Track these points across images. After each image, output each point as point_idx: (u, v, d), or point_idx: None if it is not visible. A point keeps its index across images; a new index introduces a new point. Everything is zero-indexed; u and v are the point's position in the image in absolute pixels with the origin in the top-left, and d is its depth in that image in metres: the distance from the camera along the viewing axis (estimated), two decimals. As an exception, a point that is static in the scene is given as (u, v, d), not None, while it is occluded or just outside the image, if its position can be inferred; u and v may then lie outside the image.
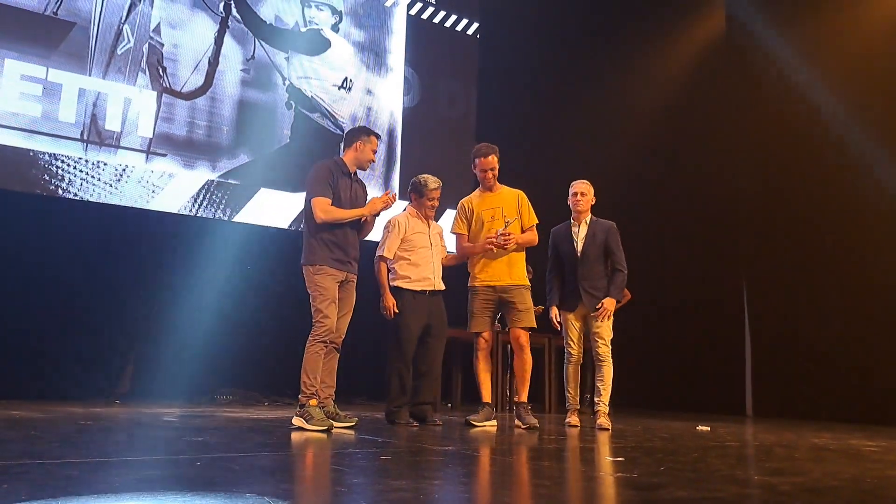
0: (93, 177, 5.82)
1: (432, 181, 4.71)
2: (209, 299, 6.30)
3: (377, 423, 4.44)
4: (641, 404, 7.45)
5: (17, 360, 5.47)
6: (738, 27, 7.66)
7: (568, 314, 4.95)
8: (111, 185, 5.90)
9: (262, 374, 6.39)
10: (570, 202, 5.07)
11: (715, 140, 7.56)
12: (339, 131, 7.03)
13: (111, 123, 5.95)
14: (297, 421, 3.88)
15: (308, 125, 6.98)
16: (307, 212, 4.15)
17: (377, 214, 4.26)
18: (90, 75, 5.89)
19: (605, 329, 4.87)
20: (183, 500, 1.80)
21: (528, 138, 8.25)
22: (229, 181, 6.46)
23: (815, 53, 7.01)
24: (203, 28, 6.50)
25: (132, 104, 6.06)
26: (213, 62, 6.51)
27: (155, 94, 6.18)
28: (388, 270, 4.62)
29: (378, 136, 4.39)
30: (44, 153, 5.64)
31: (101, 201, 5.84)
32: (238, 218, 6.49)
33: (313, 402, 3.90)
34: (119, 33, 6.07)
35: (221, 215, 6.40)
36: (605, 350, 4.87)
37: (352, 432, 3.85)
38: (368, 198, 4.37)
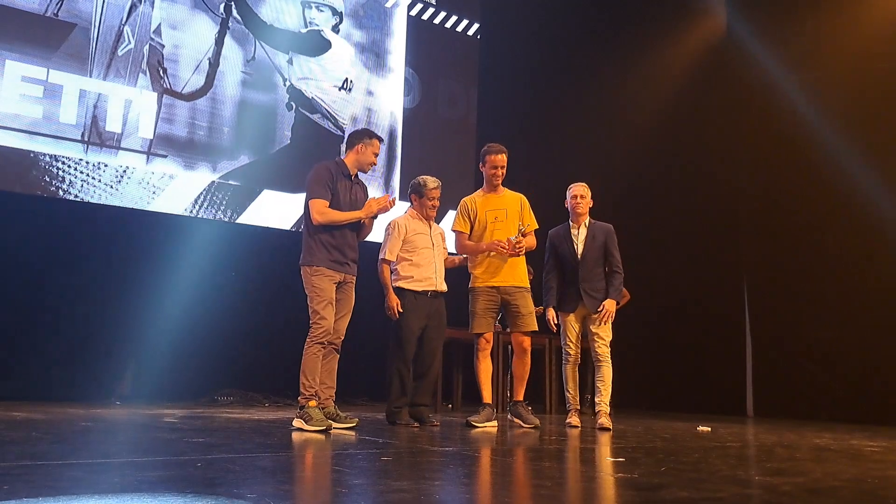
0: (93, 178, 5.82)
1: (431, 181, 4.71)
2: (210, 300, 6.31)
3: (378, 424, 4.45)
4: (642, 405, 7.44)
5: (17, 362, 5.47)
6: (739, 28, 7.66)
7: (567, 315, 4.97)
8: (112, 187, 5.90)
9: (262, 374, 6.40)
10: (568, 204, 5.09)
11: (715, 141, 7.56)
12: (339, 132, 7.04)
13: (112, 125, 5.96)
14: (297, 422, 3.90)
15: (308, 126, 6.98)
16: (305, 213, 4.16)
17: (375, 217, 4.26)
18: (91, 76, 5.89)
19: (605, 329, 4.91)
20: (184, 501, 1.80)
21: (528, 139, 8.25)
22: (230, 182, 6.46)
23: (815, 54, 7.01)
24: (203, 29, 6.50)
25: (133, 105, 6.06)
26: (214, 63, 6.51)
27: (155, 95, 6.19)
28: (391, 272, 4.62)
29: (381, 140, 4.40)
30: (44, 154, 5.64)
31: (101, 203, 5.85)
32: (239, 219, 6.49)
33: (312, 402, 3.91)
34: (120, 34, 6.07)
35: (222, 216, 6.40)
36: (605, 350, 4.91)
37: (352, 433, 3.85)
38: (368, 198, 4.38)
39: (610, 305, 4.88)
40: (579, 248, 4.97)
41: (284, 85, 6.89)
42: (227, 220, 6.43)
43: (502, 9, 8.68)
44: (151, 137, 6.12)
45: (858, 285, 6.40)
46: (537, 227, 4.87)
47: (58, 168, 5.69)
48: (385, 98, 7.53)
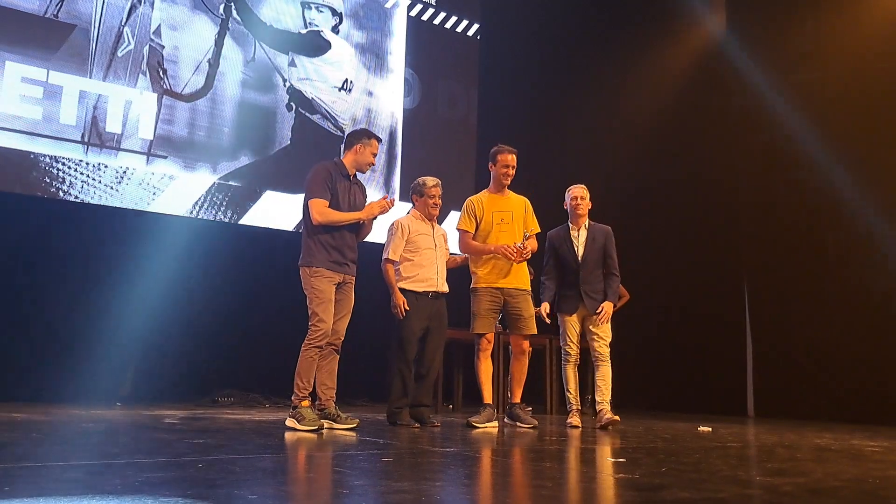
0: (93, 179, 5.82)
1: (430, 179, 4.74)
2: (210, 301, 6.31)
3: (378, 425, 4.45)
4: (643, 405, 7.44)
5: (18, 363, 5.47)
6: (738, 29, 7.65)
7: (568, 316, 5.00)
8: (112, 188, 5.90)
9: (263, 375, 6.39)
10: (567, 206, 5.12)
11: (716, 141, 7.55)
12: (339, 133, 7.03)
13: (112, 125, 5.95)
14: (289, 422, 3.91)
15: (309, 127, 6.98)
16: (305, 213, 4.16)
17: (375, 218, 4.26)
18: (91, 77, 5.89)
19: (604, 329, 4.99)
20: (185, 502, 1.80)
21: (528, 140, 8.21)
22: (230, 183, 6.46)
23: (815, 55, 7.01)
24: (203, 30, 6.50)
25: (133, 106, 6.06)
26: (214, 64, 6.51)
27: (155, 95, 6.18)
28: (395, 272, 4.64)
29: (379, 140, 4.40)
30: (44, 155, 5.64)
31: (101, 203, 5.84)
32: (239, 220, 6.49)
33: (305, 403, 3.93)
34: (119, 35, 6.07)
35: (222, 217, 6.40)
36: (605, 350, 4.98)
37: (353, 434, 3.85)
38: (367, 200, 4.38)
39: (609, 308, 4.97)
40: (580, 250, 5.01)
41: (284, 86, 6.89)
42: (227, 220, 6.43)
43: (502, 9, 8.68)
44: (151, 138, 6.12)
45: (858, 285, 6.40)
46: (539, 230, 4.91)
47: (58, 169, 5.68)
48: (385, 99, 7.53)
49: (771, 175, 7.12)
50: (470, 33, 8.34)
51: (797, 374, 6.66)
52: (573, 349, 4.99)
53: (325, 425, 3.96)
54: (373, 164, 4.42)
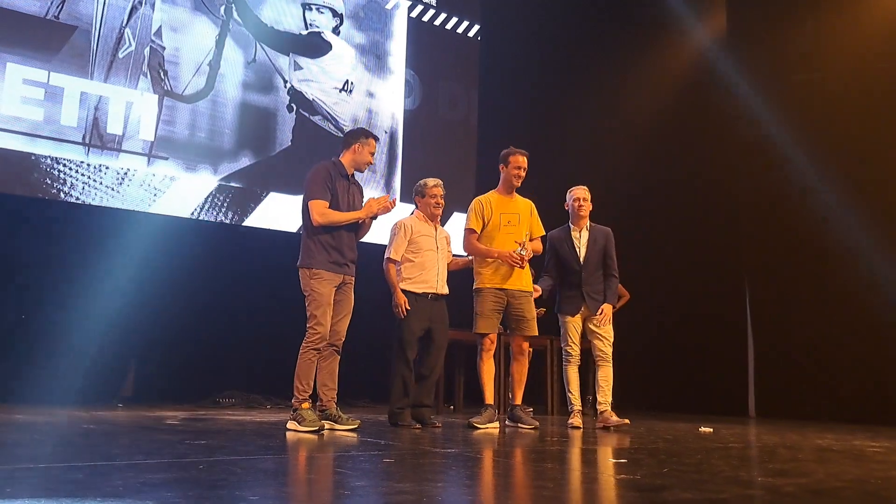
0: (94, 180, 5.83)
1: (431, 180, 4.77)
2: (211, 302, 6.31)
3: (379, 426, 4.45)
4: (644, 405, 7.43)
5: (19, 364, 5.47)
6: (739, 29, 7.65)
7: (569, 317, 5.02)
8: (113, 189, 5.90)
9: (264, 377, 6.39)
10: (570, 207, 5.15)
11: (716, 142, 7.54)
12: (340, 134, 7.03)
13: (113, 127, 5.96)
14: (290, 424, 3.92)
15: (309, 128, 6.99)
16: (305, 214, 4.15)
17: (374, 217, 4.26)
18: (92, 79, 5.89)
19: (606, 330, 5.03)
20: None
21: (528, 140, 8.19)
22: (231, 184, 6.47)
23: (815, 54, 7.01)
24: (204, 31, 6.50)
25: (134, 107, 6.06)
26: (215, 65, 6.51)
27: (156, 97, 6.19)
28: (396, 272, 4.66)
29: (376, 139, 4.39)
30: (45, 157, 5.64)
31: (102, 205, 5.85)
32: (240, 221, 6.49)
33: (305, 405, 3.93)
34: (120, 37, 6.08)
35: (223, 218, 6.40)
36: (608, 350, 5.02)
37: (354, 435, 3.85)
38: (365, 199, 4.38)
39: (609, 309, 5.02)
40: (581, 251, 5.05)
41: (285, 87, 6.89)
42: (228, 221, 6.43)
43: (503, 10, 8.68)
44: (152, 140, 6.12)
45: (860, 286, 6.39)
46: (543, 233, 4.94)
47: (59, 170, 5.69)
48: (386, 100, 7.53)
49: (771, 175, 7.11)
50: (470, 34, 8.34)
51: (798, 374, 6.66)
52: (574, 350, 5.00)
53: (326, 426, 3.95)
54: (371, 164, 4.42)
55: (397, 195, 7.28)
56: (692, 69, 7.98)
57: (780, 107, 7.11)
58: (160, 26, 6.27)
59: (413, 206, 4.92)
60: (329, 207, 4.10)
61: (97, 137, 5.87)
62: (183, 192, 6.21)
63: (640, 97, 8.29)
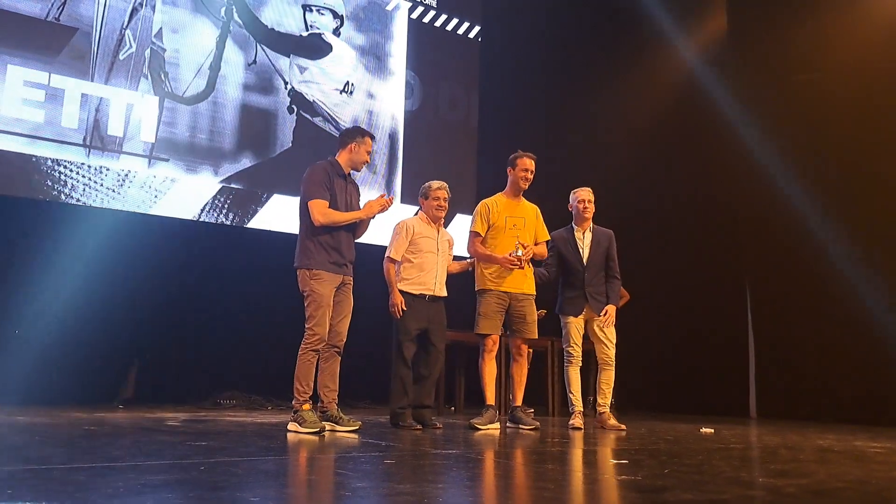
0: (95, 182, 5.83)
1: (436, 183, 4.80)
2: (212, 304, 6.31)
3: (380, 427, 4.45)
4: (645, 406, 7.43)
5: (20, 366, 5.47)
6: (739, 30, 7.65)
7: (572, 318, 5.04)
8: (114, 191, 5.91)
9: (265, 378, 6.39)
10: (573, 208, 5.18)
11: (717, 142, 7.54)
12: (341, 135, 7.04)
13: (113, 128, 5.96)
14: (291, 425, 3.92)
15: (310, 129, 6.99)
16: (303, 214, 4.15)
17: (373, 217, 4.26)
18: (92, 80, 5.90)
19: (610, 333, 5.06)
20: (187, 505, 1.80)
21: (529, 142, 8.20)
22: (232, 186, 6.47)
23: (816, 54, 7.00)
24: (205, 33, 6.51)
25: (134, 109, 6.07)
26: (215, 67, 6.52)
27: (157, 99, 6.19)
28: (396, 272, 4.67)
29: (372, 137, 4.39)
30: (46, 159, 5.64)
31: (103, 206, 5.85)
32: (241, 222, 6.49)
33: (306, 406, 3.93)
34: (121, 38, 6.08)
35: (224, 220, 6.40)
36: (611, 353, 5.05)
37: (355, 436, 3.85)
38: (361, 198, 4.38)
39: (612, 311, 5.04)
40: (585, 253, 5.08)
41: (285, 88, 6.90)
42: (229, 223, 6.44)
43: (503, 11, 8.69)
44: (153, 141, 6.13)
45: (861, 286, 6.38)
46: (548, 238, 4.96)
47: (59, 172, 5.69)
48: (386, 101, 7.53)
49: (772, 176, 7.10)
50: (471, 36, 8.34)
51: (799, 375, 6.65)
52: (576, 351, 5.02)
53: (327, 427, 3.95)
54: (368, 162, 4.42)
55: (398, 196, 7.28)
56: (694, 70, 7.97)
57: (781, 107, 7.11)
58: (161, 28, 6.28)
59: (417, 208, 4.93)
60: (327, 206, 4.10)
61: (98, 139, 5.87)
62: (184, 194, 6.21)
63: (642, 98, 8.29)
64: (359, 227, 4.28)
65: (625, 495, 2.25)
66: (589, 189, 5.20)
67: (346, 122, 7.15)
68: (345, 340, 4.20)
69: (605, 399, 5.03)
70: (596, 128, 8.45)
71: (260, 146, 6.70)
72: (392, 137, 7.51)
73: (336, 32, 7.28)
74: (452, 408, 6.60)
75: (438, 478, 2.52)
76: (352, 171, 4.34)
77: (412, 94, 7.76)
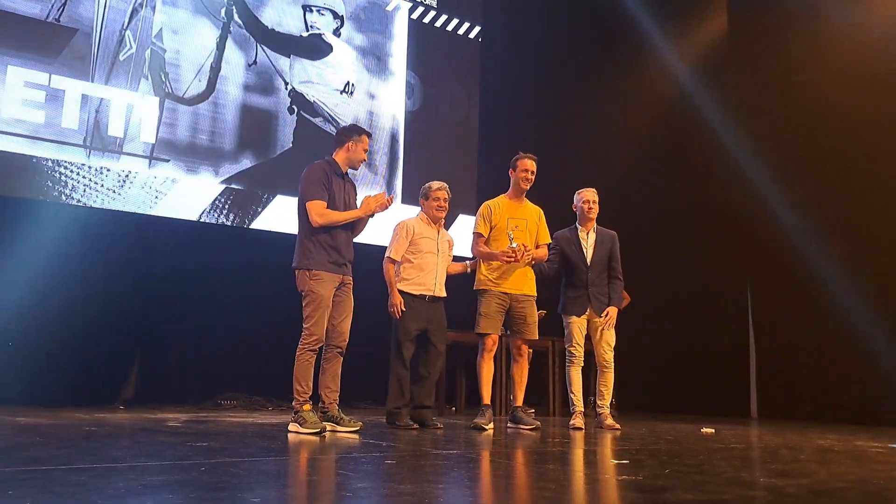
0: (96, 183, 5.83)
1: (436, 183, 4.81)
2: (213, 304, 6.31)
3: (381, 428, 4.45)
4: (646, 406, 7.44)
5: (21, 367, 5.47)
6: (741, 26, 7.65)
7: (575, 318, 5.06)
8: (114, 191, 5.91)
9: (266, 378, 6.39)
10: (578, 208, 5.20)
11: (718, 143, 7.54)
12: (341, 136, 7.04)
13: (114, 129, 5.96)
14: (292, 426, 3.92)
15: (310, 130, 6.99)
16: (301, 214, 4.14)
17: (371, 215, 4.26)
18: (93, 81, 5.90)
19: (611, 335, 5.09)
20: (188, 506, 1.80)
21: (530, 142, 8.21)
22: (232, 186, 6.47)
23: (817, 54, 7.00)
24: (205, 33, 6.51)
25: (135, 110, 6.07)
26: (216, 67, 6.52)
27: (157, 99, 6.19)
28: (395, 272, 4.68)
29: (369, 135, 4.38)
30: (47, 159, 5.65)
31: (104, 207, 5.85)
32: (241, 223, 6.49)
33: (307, 406, 3.92)
34: (121, 39, 6.08)
35: (225, 220, 6.40)
36: (610, 355, 5.08)
37: (356, 437, 3.85)
38: (359, 197, 4.37)
39: (613, 313, 5.06)
40: (589, 253, 5.10)
41: (286, 89, 6.90)
42: (230, 223, 6.44)
43: (504, 12, 8.68)
44: (154, 142, 6.13)
45: (862, 286, 6.38)
46: (550, 241, 4.97)
47: (60, 173, 5.69)
48: (387, 101, 7.53)
49: (773, 176, 7.10)
50: (471, 36, 8.34)
51: (800, 375, 6.65)
52: (578, 351, 5.04)
53: (328, 428, 3.95)
54: (365, 160, 4.42)
55: (398, 197, 7.28)
56: (695, 71, 7.97)
57: (781, 108, 7.11)
58: (161, 28, 6.28)
59: (418, 208, 4.94)
60: (326, 207, 4.09)
61: (98, 140, 5.87)
62: (184, 195, 6.21)
63: (643, 99, 8.29)
64: (357, 225, 4.28)
65: (626, 495, 2.25)
66: (593, 189, 5.23)
67: (346, 122, 7.13)
68: (347, 341, 4.20)
69: (605, 401, 5.06)
70: (597, 129, 8.45)
71: (260, 147, 6.70)
72: (393, 138, 7.51)
73: (336, 33, 7.28)
74: (453, 408, 6.60)
75: (439, 478, 2.52)
76: (349, 170, 4.33)
77: (413, 94, 7.76)
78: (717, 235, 7.42)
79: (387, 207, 4.21)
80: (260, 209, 6.59)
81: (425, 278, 4.66)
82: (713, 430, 4.82)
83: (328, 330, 4.10)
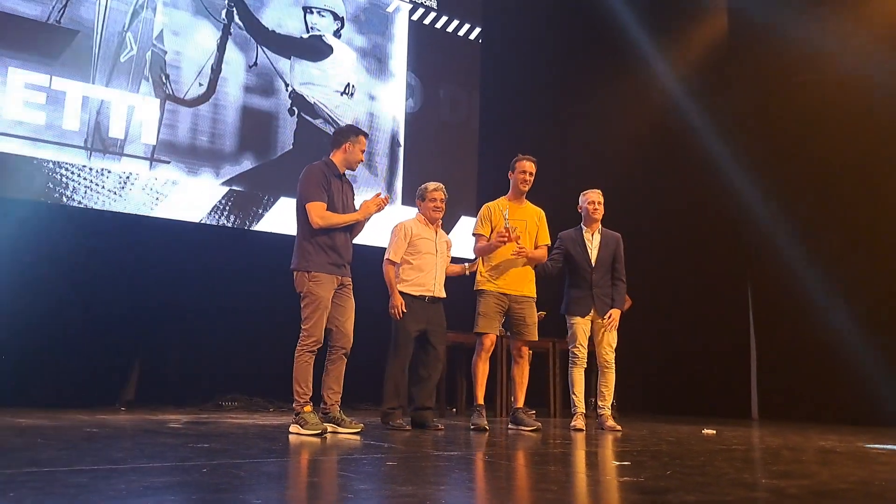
0: (97, 184, 5.83)
1: (432, 184, 4.81)
2: (214, 306, 6.31)
3: (382, 429, 4.44)
4: (647, 408, 7.43)
5: (22, 368, 5.47)
6: (741, 27, 7.65)
7: (579, 318, 5.06)
8: (115, 193, 5.91)
9: (267, 380, 6.39)
10: (583, 209, 5.21)
11: (719, 144, 7.53)
12: (341, 137, 7.04)
13: (115, 131, 5.96)
14: (293, 428, 3.92)
15: (311, 131, 6.99)
16: (300, 216, 4.13)
17: (370, 217, 4.26)
18: (94, 83, 5.90)
19: (612, 336, 5.10)
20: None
21: (530, 143, 8.22)
22: (233, 188, 6.47)
23: (819, 53, 7.00)
24: (205, 35, 6.51)
25: (135, 112, 6.07)
26: (216, 69, 6.52)
27: (158, 101, 6.19)
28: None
29: (366, 135, 4.38)
30: (48, 161, 5.65)
31: (105, 209, 5.85)
32: (242, 224, 6.49)
33: (307, 408, 3.92)
34: (122, 41, 6.08)
35: (225, 222, 6.41)
36: (611, 356, 5.09)
37: (357, 438, 3.85)
38: (358, 199, 4.37)
39: (616, 315, 5.08)
40: (593, 254, 5.12)
41: (286, 90, 6.90)
42: (230, 225, 6.44)
43: (504, 13, 8.68)
44: (154, 143, 6.13)
45: (863, 287, 6.38)
46: (549, 243, 4.97)
47: (61, 174, 5.69)
48: (387, 102, 7.53)
49: (774, 178, 7.10)
50: (472, 37, 8.34)
51: (801, 376, 6.65)
52: (582, 352, 5.05)
53: (329, 429, 3.95)
54: (362, 161, 4.41)
55: (399, 198, 7.29)
56: (695, 72, 7.97)
57: (781, 109, 7.10)
58: (161, 30, 6.28)
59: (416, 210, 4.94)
60: (326, 208, 4.09)
61: (99, 141, 5.87)
62: (185, 196, 6.21)
63: (643, 100, 8.29)
64: (355, 226, 4.28)
65: (627, 497, 2.25)
66: (598, 191, 5.24)
67: (347, 123, 7.15)
68: (351, 342, 4.19)
69: (606, 402, 5.07)
70: (597, 129, 8.45)
71: (261, 148, 6.70)
72: (393, 139, 7.51)
73: (337, 34, 7.28)
74: (454, 409, 6.60)
75: (441, 479, 2.52)
76: (346, 171, 4.33)
77: (413, 95, 7.76)
78: (718, 236, 7.42)
79: (383, 208, 4.20)
80: (261, 211, 6.60)
81: (424, 279, 4.67)
82: (714, 432, 4.82)
83: (333, 332, 4.10)
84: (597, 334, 5.08)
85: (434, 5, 8.06)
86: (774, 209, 7.05)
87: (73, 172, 5.74)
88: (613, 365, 5.07)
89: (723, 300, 7.33)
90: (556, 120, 8.76)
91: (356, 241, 4.36)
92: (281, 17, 6.96)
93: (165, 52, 6.28)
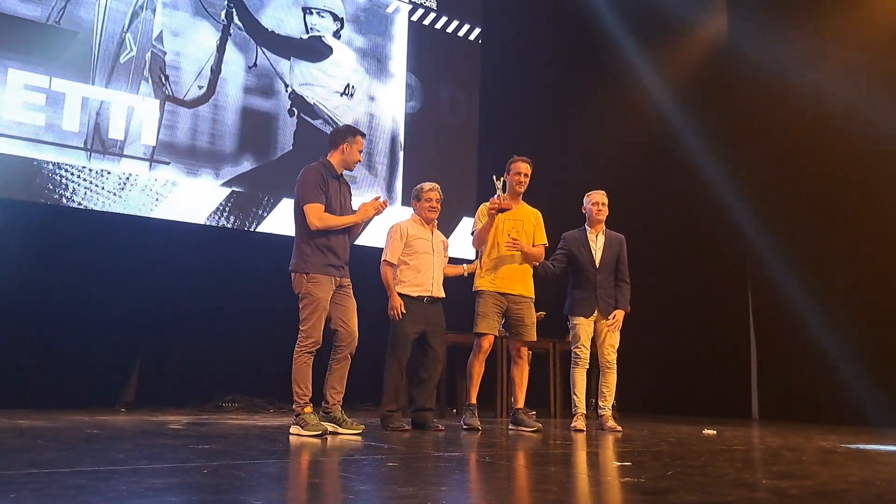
0: (96, 185, 5.83)
1: (428, 184, 4.81)
2: (214, 307, 6.31)
3: (382, 430, 4.44)
4: (648, 408, 7.43)
5: (22, 369, 5.47)
6: (741, 30, 7.65)
7: (582, 319, 5.07)
8: (115, 194, 5.91)
9: (267, 381, 6.39)
10: (587, 210, 5.22)
11: (719, 144, 7.54)
12: (341, 138, 7.03)
13: (114, 132, 5.96)
14: (294, 429, 3.92)
15: (311, 132, 6.99)
16: (298, 217, 4.13)
17: (369, 220, 4.25)
18: (93, 84, 5.90)
19: (615, 337, 5.10)
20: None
21: (530, 143, 8.24)
22: (233, 188, 6.47)
23: (818, 55, 7.00)
24: (205, 36, 6.51)
25: (135, 112, 6.07)
26: (216, 70, 6.52)
27: (158, 102, 6.19)
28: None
29: (363, 135, 4.37)
30: (48, 162, 5.65)
31: (104, 210, 5.85)
32: (242, 225, 6.49)
33: (308, 409, 3.92)
34: (121, 42, 6.08)
35: (225, 223, 6.40)
36: (613, 357, 5.09)
37: (358, 439, 3.85)
38: (357, 200, 4.37)
39: (620, 316, 5.09)
40: (598, 255, 5.12)
41: (286, 91, 6.90)
42: (230, 226, 6.44)
43: (503, 13, 8.69)
44: (154, 144, 6.13)
45: (864, 287, 6.38)
46: (547, 244, 4.97)
47: (61, 176, 5.69)
48: (387, 103, 7.53)
49: (774, 179, 7.10)
50: (471, 37, 8.34)
51: (801, 376, 6.64)
52: (584, 353, 5.05)
53: (330, 429, 3.95)
54: (360, 161, 4.41)
55: (399, 199, 7.28)
56: (697, 72, 7.97)
57: (781, 109, 7.10)
58: (161, 31, 6.28)
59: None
60: (324, 210, 4.08)
61: (99, 142, 5.87)
62: (185, 197, 6.21)
63: (644, 101, 8.29)
64: (354, 228, 4.27)
65: (628, 497, 2.25)
66: (603, 192, 5.25)
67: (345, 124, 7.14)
68: (356, 343, 4.18)
69: (607, 402, 5.06)
70: (597, 130, 8.45)
71: (261, 149, 6.70)
72: (393, 140, 7.51)
73: (336, 35, 7.28)
74: (454, 410, 6.60)
75: (441, 480, 2.51)
76: (344, 171, 4.32)
77: (413, 96, 7.76)
78: (718, 237, 7.41)
79: (381, 211, 4.20)
80: (261, 212, 6.59)
81: (422, 279, 4.66)
82: (715, 432, 4.82)
83: (340, 332, 4.10)
84: (599, 335, 5.08)
85: (434, 6, 8.06)
86: (774, 210, 7.05)
87: (72, 173, 5.74)
88: (615, 365, 5.07)
89: (723, 301, 7.33)
90: (556, 120, 8.77)
91: (355, 242, 4.35)
92: (280, 17, 6.96)
93: (165, 53, 6.28)
